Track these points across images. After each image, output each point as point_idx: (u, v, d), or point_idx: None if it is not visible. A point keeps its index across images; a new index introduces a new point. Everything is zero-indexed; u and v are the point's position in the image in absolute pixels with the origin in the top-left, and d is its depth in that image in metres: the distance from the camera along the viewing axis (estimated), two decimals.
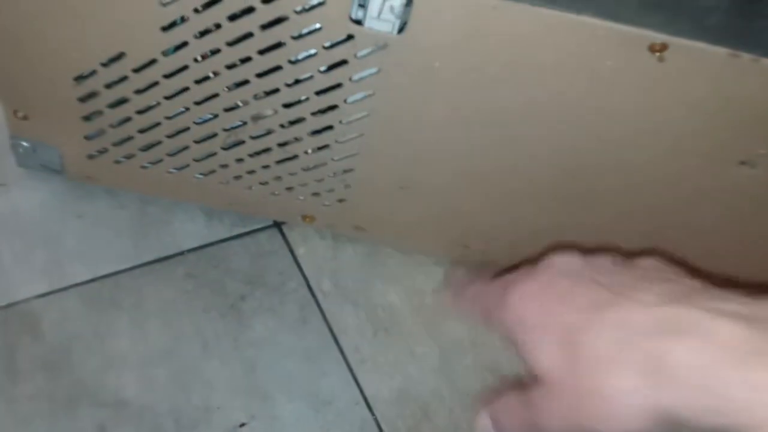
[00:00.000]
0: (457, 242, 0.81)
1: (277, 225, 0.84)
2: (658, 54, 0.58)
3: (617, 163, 0.68)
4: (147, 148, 0.74)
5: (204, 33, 0.62)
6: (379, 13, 0.57)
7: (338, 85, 0.64)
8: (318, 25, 0.60)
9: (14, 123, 0.74)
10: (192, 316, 0.75)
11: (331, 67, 0.63)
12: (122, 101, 0.69)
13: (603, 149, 0.67)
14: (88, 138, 0.74)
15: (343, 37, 0.60)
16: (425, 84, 0.63)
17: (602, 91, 0.61)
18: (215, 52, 0.63)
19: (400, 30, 0.59)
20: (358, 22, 0.59)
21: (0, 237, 0.76)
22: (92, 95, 0.69)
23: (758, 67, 0.58)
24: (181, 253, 0.79)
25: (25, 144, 0.76)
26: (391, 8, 0.57)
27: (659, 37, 0.57)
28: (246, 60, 0.64)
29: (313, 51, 0.62)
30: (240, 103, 0.68)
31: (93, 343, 0.72)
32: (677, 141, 0.65)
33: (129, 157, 0.76)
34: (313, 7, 0.58)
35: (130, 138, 0.73)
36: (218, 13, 0.60)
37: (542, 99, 0.63)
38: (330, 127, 0.69)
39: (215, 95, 0.67)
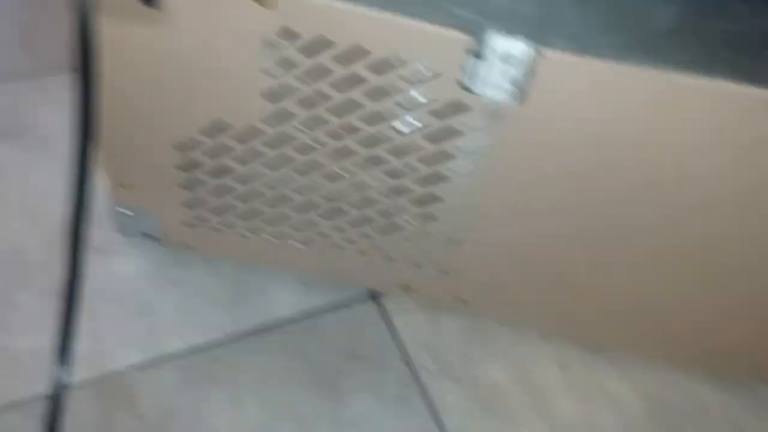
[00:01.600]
0: (565, 316, 0.75)
1: (374, 295, 0.80)
2: None
3: (751, 236, 0.62)
4: (246, 216, 0.73)
5: (308, 102, 0.60)
6: (498, 83, 0.54)
7: (448, 156, 0.61)
8: (431, 96, 0.57)
9: (118, 192, 0.74)
10: (288, 392, 0.72)
11: (441, 137, 0.60)
12: (223, 170, 0.68)
13: (733, 223, 0.61)
14: (188, 206, 0.73)
15: (457, 106, 0.57)
16: (542, 156, 0.59)
17: (741, 162, 0.56)
18: (320, 121, 0.62)
19: (519, 99, 0.55)
20: (472, 91, 0.56)
21: (98, 304, 0.76)
22: (194, 164, 0.68)
23: None
24: (277, 324, 0.77)
25: (127, 212, 0.76)
26: (509, 76, 0.53)
27: None
28: (351, 129, 0.61)
29: (422, 120, 0.59)
30: (342, 172, 0.66)
31: (191, 420, 0.69)
32: None
33: (228, 225, 0.74)
34: (427, 78, 0.56)
35: (229, 206, 0.72)
36: (324, 82, 0.58)
37: (673, 173, 0.58)
38: (437, 198, 0.65)
39: (318, 164, 0.65)
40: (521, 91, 0.54)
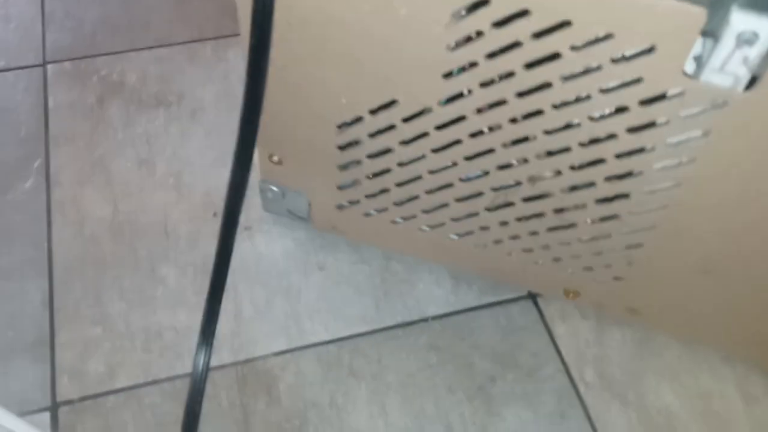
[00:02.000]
0: (759, 341, 0.65)
1: (532, 297, 0.73)
2: None
3: None
4: (402, 202, 0.67)
5: (490, 82, 0.53)
6: (725, 65, 0.45)
7: (648, 149, 0.53)
8: (638, 77, 0.49)
9: (267, 167, 0.70)
10: (435, 394, 0.67)
11: (643, 128, 0.52)
12: (384, 152, 0.63)
13: None
14: (340, 188, 0.68)
15: (669, 92, 0.49)
16: (760, 153, 0.50)
17: None
18: (499, 103, 0.55)
19: (749, 86, 0.46)
20: (692, 75, 0.47)
21: (242, 284, 0.73)
22: (354, 143, 0.63)
23: None
24: (425, 320, 0.71)
25: (275, 189, 0.72)
26: (744, 58, 0.44)
27: None
28: (535, 114, 0.54)
29: (624, 107, 0.51)
30: (516, 162, 0.59)
31: (330, 414, 0.65)
32: None
33: (381, 210, 0.69)
34: (635, 56, 0.48)
35: (385, 191, 0.66)
36: (515, 59, 0.51)
37: None
38: (625, 196, 0.57)
39: (490, 151, 0.59)
40: (756, 77, 0.45)
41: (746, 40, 0.44)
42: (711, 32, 0.45)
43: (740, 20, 0.43)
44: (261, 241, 0.76)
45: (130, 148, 0.82)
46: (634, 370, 0.69)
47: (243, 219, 0.76)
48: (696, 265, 0.60)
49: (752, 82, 0.46)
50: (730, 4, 0.43)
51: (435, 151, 0.60)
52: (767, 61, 0.44)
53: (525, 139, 0.57)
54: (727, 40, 0.44)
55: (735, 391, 0.68)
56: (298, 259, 0.75)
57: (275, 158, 0.69)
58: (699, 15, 0.44)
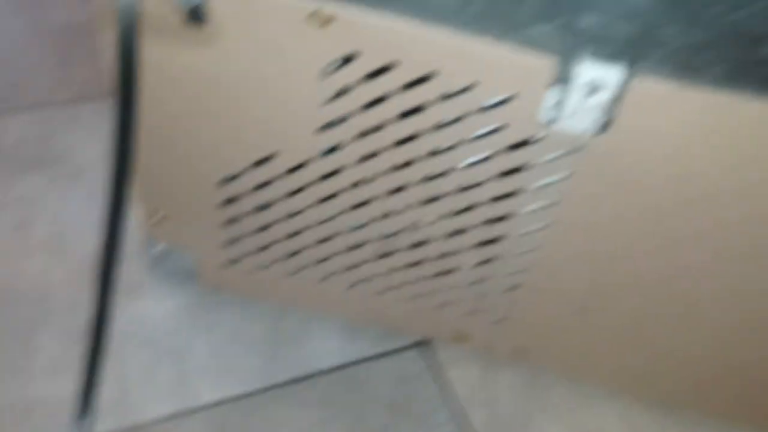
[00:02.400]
0: (636, 373, 0.68)
1: (424, 344, 0.74)
2: None
3: None
4: (290, 255, 0.67)
5: (366, 133, 0.55)
6: (578, 111, 0.49)
7: (516, 193, 0.56)
8: (501, 124, 0.52)
9: (151, 225, 0.69)
10: None
11: (509, 173, 0.54)
12: (268, 205, 0.63)
13: None
14: (226, 244, 0.68)
15: (530, 138, 0.52)
16: (624, 193, 0.53)
17: None
18: (376, 153, 0.56)
19: (603, 129, 0.50)
20: (551, 122, 0.50)
21: (127, 348, 0.70)
22: (237, 198, 0.63)
23: None
24: (318, 374, 0.71)
25: (159, 248, 0.71)
26: (595, 105, 0.48)
27: None
28: (410, 163, 0.56)
29: (490, 154, 0.54)
30: (397, 210, 0.60)
31: None
32: None
33: (268, 265, 0.69)
34: (497, 105, 0.50)
35: (272, 245, 0.66)
36: (387, 111, 0.53)
37: (766, 212, 0.52)
38: (500, 239, 0.60)
39: (371, 200, 0.60)
40: (608, 122, 0.49)
41: (594, 87, 0.47)
42: (563, 81, 0.48)
43: (587, 70, 0.47)
44: (147, 302, 0.74)
45: (6, 212, 0.79)
46: (523, 409, 0.70)
47: (128, 280, 0.74)
48: (572, 303, 0.63)
49: (605, 126, 0.49)
50: (578, 56, 0.47)
51: (319, 202, 0.61)
52: (616, 107, 0.48)
53: (404, 187, 0.58)
54: (578, 88, 0.47)
55: (620, 424, 0.70)
56: (186, 318, 0.73)
57: (159, 217, 0.67)
58: (551, 65, 0.47)
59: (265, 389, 0.69)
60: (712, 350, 0.64)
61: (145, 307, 0.73)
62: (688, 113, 0.47)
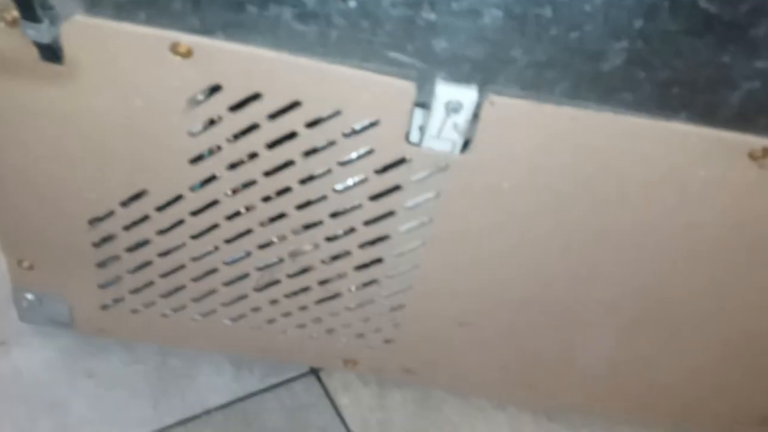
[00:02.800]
0: (520, 382, 0.71)
1: (315, 372, 0.74)
2: (760, 161, 0.51)
3: (707, 283, 0.60)
4: (169, 294, 0.66)
5: (237, 164, 0.55)
6: (440, 132, 0.51)
7: (390, 214, 0.57)
8: (369, 148, 0.53)
9: (18, 273, 0.66)
10: None
11: (382, 194, 0.56)
12: (142, 243, 0.61)
13: (690, 270, 0.59)
14: (102, 286, 0.65)
15: (398, 160, 0.53)
16: (491, 208, 0.55)
17: (694, 205, 0.54)
18: (249, 184, 0.56)
19: (464, 149, 0.52)
20: (416, 143, 0.52)
21: (1, 406, 0.66)
22: (108, 239, 0.61)
23: None
24: (208, 412, 0.69)
25: (29, 296, 0.68)
26: (455, 125, 0.50)
27: (762, 142, 0.50)
28: (284, 191, 0.56)
29: (361, 177, 0.55)
30: (276, 239, 0.60)
31: None
32: None
33: (148, 305, 0.67)
34: (363, 129, 0.52)
35: (150, 284, 0.65)
36: (255, 141, 0.53)
37: (624, 218, 0.55)
38: (379, 260, 0.61)
39: (248, 231, 0.60)
40: (468, 140, 0.51)
41: (453, 108, 0.49)
42: (424, 104, 0.50)
43: (445, 92, 0.48)
44: (19, 355, 0.70)
45: None
46: (416, 428, 0.71)
47: None
48: (453, 319, 0.65)
49: (466, 145, 0.51)
50: (434, 78, 0.48)
51: (194, 237, 0.60)
52: (474, 126, 0.50)
53: (280, 216, 0.58)
54: (437, 109, 0.49)
55: None
56: (63, 369, 0.70)
57: (26, 263, 0.64)
58: (411, 88, 0.49)
59: None
60: (592, 353, 0.67)
61: (18, 360, 0.70)
62: (540, 128, 0.50)
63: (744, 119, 0.48)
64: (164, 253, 0.62)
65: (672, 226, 0.55)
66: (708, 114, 0.48)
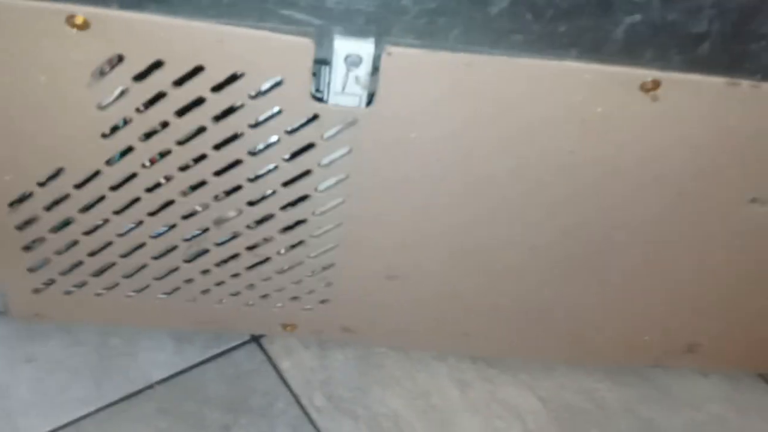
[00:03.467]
0: (456, 331, 0.73)
1: (256, 339, 0.75)
2: (651, 93, 0.53)
3: (620, 218, 0.62)
4: (100, 272, 0.66)
5: (150, 134, 0.56)
6: (344, 87, 0.52)
7: (307, 173, 0.58)
8: (277, 109, 0.54)
9: None
10: None
11: (296, 154, 0.57)
12: (66, 223, 0.62)
13: (603, 206, 0.61)
14: (31, 270, 0.66)
15: (307, 118, 0.54)
16: (403, 158, 0.57)
17: (595, 141, 0.56)
18: (165, 153, 0.57)
19: (369, 102, 0.53)
20: (321, 100, 0.53)
21: None
22: (31, 221, 0.61)
23: (759, 93, 0.53)
24: (151, 387, 0.70)
25: None
26: (356, 79, 0.51)
27: (650, 75, 0.52)
28: (200, 158, 0.57)
29: (274, 138, 0.56)
30: (199, 208, 0.61)
31: None
32: (682, 186, 0.60)
33: (80, 285, 0.67)
34: (268, 90, 0.53)
35: (79, 263, 0.65)
36: (164, 109, 0.53)
37: (532, 158, 0.57)
38: (303, 221, 0.62)
39: (170, 202, 0.60)
40: (372, 94, 0.52)
41: (353, 62, 0.50)
42: (324, 60, 0.51)
43: (342, 46, 0.50)
44: None
45: None
46: (359, 385, 0.73)
47: None
48: (383, 273, 0.66)
49: (370, 98, 0.53)
50: (331, 34, 0.50)
51: (117, 212, 0.61)
52: (376, 79, 0.51)
53: (200, 184, 0.59)
54: (338, 64, 0.50)
55: (450, 383, 0.74)
56: (2, 354, 0.70)
57: None
58: (309, 45, 0.50)
59: (97, 410, 0.68)
60: (521, 297, 0.69)
61: None
62: (439, 76, 0.51)
63: (631, 53, 0.50)
64: (89, 231, 0.62)
65: (577, 164, 0.57)
66: (596, 50, 0.50)
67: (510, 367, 0.76)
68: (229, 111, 0.54)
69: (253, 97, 0.53)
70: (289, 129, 0.55)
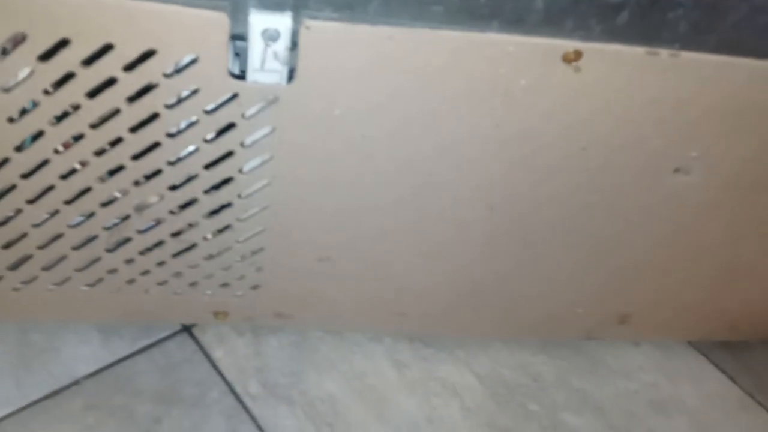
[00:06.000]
0: (391, 311, 0.72)
1: (187, 329, 0.73)
2: (573, 64, 0.53)
3: (549, 191, 0.62)
4: (16, 266, 0.63)
5: (61, 117, 0.53)
6: (262, 63, 0.50)
7: (229, 154, 0.56)
8: (194, 88, 0.52)
9: None
10: None
11: (218, 135, 0.55)
12: None
13: (531, 179, 0.61)
14: None
15: (226, 96, 0.52)
16: (328, 136, 0.56)
17: (520, 114, 0.56)
18: (79, 138, 0.54)
19: (290, 78, 0.51)
20: (240, 77, 0.51)
21: None
22: None
23: (678, 62, 0.54)
24: (77, 382, 0.67)
25: None
26: (275, 54, 0.50)
27: (572, 45, 0.52)
28: (117, 141, 0.55)
29: (193, 118, 0.54)
30: (118, 194, 0.59)
31: None
32: (607, 157, 0.60)
33: None
34: (184, 68, 0.51)
35: None
36: (74, 90, 0.51)
37: (457, 132, 0.56)
38: (228, 204, 0.60)
39: (87, 189, 0.58)
40: (293, 69, 0.51)
41: (270, 37, 0.49)
42: (240, 35, 0.49)
43: (259, 20, 0.48)
44: None
45: None
46: (294, 370, 0.71)
47: None
48: (313, 256, 0.65)
49: (291, 74, 0.51)
50: (246, 7, 0.48)
51: (30, 201, 0.58)
52: (296, 54, 0.50)
53: (118, 169, 0.57)
54: (255, 39, 0.49)
55: (386, 363, 0.74)
56: None
57: None
58: (224, 20, 0.48)
59: (19, 410, 0.65)
60: (451, 274, 0.69)
61: None
62: (360, 49, 0.50)
63: (551, 23, 0.50)
64: (1, 223, 0.59)
65: (503, 138, 0.57)
66: (518, 21, 0.50)
67: (446, 345, 0.76)
68: (144, 91, 0.52)
69: (168, 76, 0.51)
70: (208, 109, 0.53)
